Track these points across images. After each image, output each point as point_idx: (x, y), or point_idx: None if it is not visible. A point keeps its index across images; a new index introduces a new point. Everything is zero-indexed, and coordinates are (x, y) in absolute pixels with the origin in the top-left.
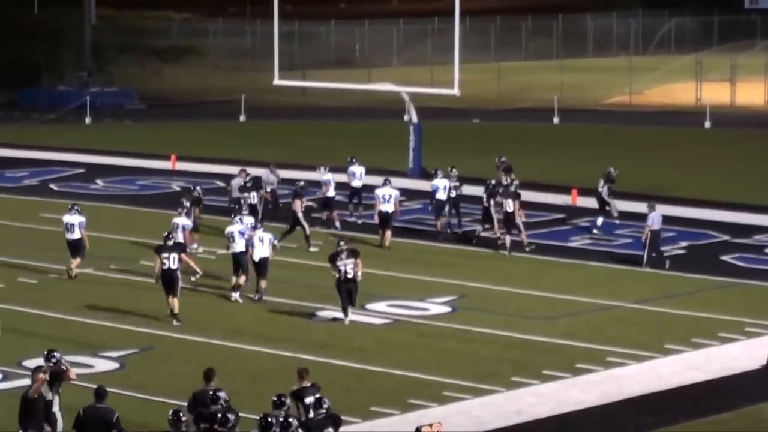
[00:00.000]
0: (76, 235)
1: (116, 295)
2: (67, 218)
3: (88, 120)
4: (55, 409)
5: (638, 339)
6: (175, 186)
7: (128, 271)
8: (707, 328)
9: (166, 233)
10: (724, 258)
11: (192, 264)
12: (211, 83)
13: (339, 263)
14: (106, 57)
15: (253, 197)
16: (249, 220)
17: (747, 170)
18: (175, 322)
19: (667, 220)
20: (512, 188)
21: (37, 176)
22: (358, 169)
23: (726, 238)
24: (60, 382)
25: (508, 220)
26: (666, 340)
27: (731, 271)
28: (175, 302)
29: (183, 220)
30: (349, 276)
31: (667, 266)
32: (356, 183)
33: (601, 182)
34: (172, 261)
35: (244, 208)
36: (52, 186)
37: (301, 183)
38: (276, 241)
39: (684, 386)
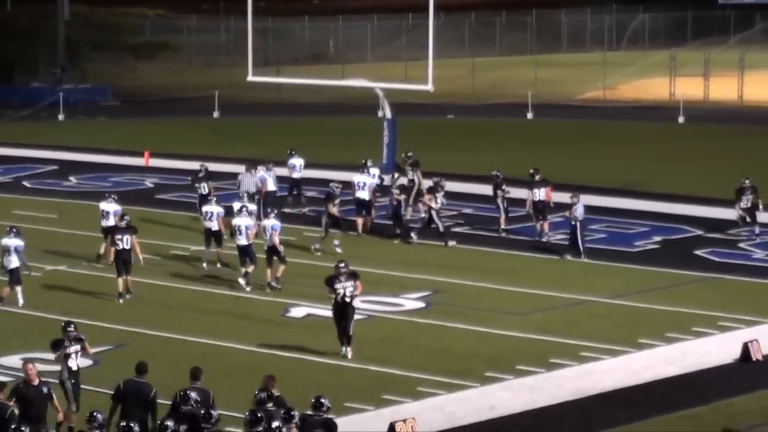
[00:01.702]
0: (111, 222)
1: (90, 292)
2: (104, 206)
3: (61, 117)
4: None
5: (612, 334)
6: (149, 183)
7: (101, 268)
8: (681, 323)
9: (121, 214)
10: (698, 252)
11: (138, 250)
12: (185, 79)
13: (338, 285)
14: (80, 53)
15: (204, 188)
16: (252, 207)
17: (720, 165)
18: (127, 296)
19: (640, 214)
20: (537, 177)
21: (10, 173)
22: (297, 161)
23: (700, 232)
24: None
25: (536, 209)
26: (640, 335)
27: (705, 265)
28: (129, 279)
29: (215, 208)
30: (347, 299)
31: (582, 258)
32: (296, 175)
33: (744, 198)
34: (125, 242)
35: (210, 196)
36: (26, 183)
37: (424, 187)
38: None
39: (658, 380)
